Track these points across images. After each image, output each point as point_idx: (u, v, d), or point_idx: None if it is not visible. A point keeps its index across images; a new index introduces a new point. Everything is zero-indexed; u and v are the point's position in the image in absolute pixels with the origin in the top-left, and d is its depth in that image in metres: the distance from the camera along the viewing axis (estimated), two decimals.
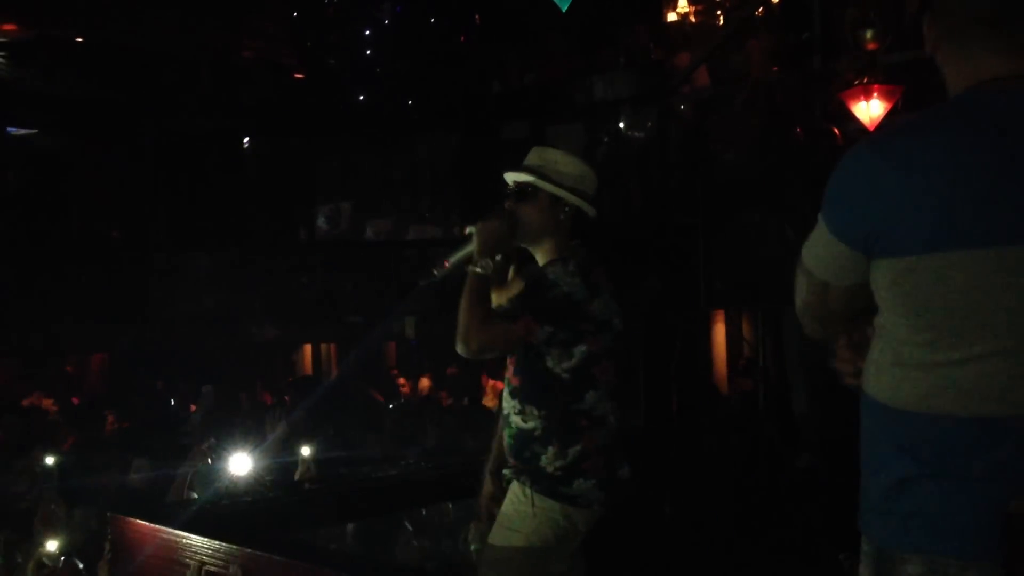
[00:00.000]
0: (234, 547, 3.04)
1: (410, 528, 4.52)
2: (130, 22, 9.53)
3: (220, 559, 3.04)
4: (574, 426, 2.64)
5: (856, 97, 6.48)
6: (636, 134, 8.06)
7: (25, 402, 8.49)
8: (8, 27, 9.64)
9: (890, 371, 1.54)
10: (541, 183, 2.72)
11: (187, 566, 3.09)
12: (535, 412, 2.65)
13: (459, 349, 2.65)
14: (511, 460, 2.71)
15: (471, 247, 2.71)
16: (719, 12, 8.66)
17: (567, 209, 2.73)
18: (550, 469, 2.61)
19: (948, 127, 1.50)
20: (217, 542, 3.08)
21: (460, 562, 4.20)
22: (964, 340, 1.46)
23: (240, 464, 4.29)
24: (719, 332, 10.78)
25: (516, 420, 2.68)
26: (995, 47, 1.53)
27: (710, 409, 7.62)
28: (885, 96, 6.45)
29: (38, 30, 9.62)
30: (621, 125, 8.21)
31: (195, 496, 4.43)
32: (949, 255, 1.44)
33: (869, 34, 6.63)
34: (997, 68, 1.52)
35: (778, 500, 4.76)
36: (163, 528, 3.23)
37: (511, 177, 2.79)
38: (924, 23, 1.63)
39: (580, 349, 2.64)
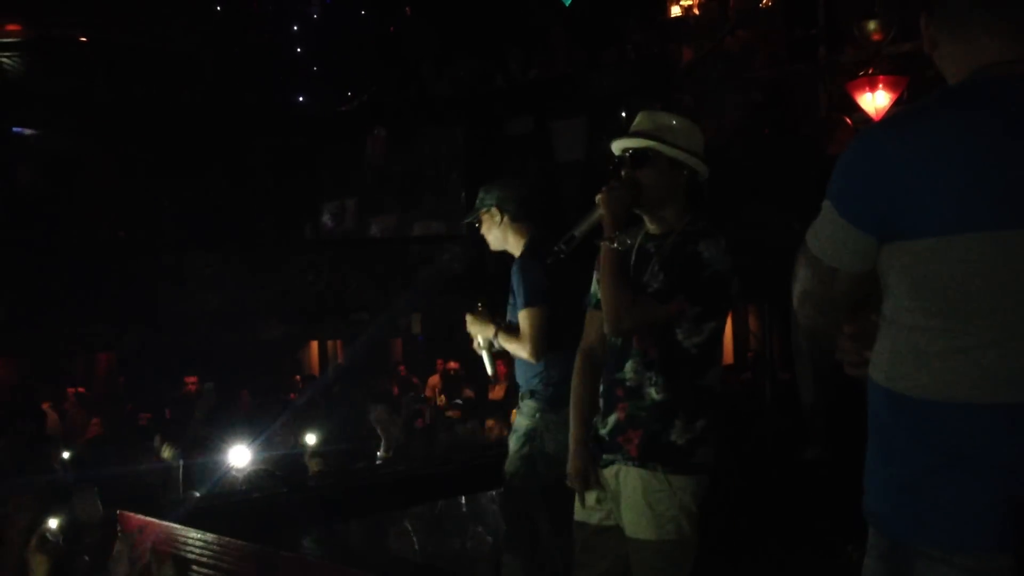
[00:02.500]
0: (243, 543, 3.04)
1: (412, 525, 4.52)
2: (135, 22, 9.54)
3: (228, 555, 3.05)
4: (699, 401, 2.61)
5: (861, 88, 6.47)
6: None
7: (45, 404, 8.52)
8: (12, 27, 9.65)
9: (904, 360, 1.50)
10: (660, 146, 2.63)
11: (194, 562, 3.10)
12: (669, 385, 2.59)
13: (608, 330, 2.63)
14: (633, 440, 2.60)
15: (596, 216, 2.61)
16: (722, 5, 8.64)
17: (685, 171, 2.66)
18: (680, 441, 2.58)
19: (962, 110, 1.48)
20: (226, 538, 3.09)
21: (471, 558, 4.20)
22: (984, 324, 1.43)
23: (240, 457, 4.29)
24: (726, 325, 10.76)
25: (651, 392, 2.60)
26: (997, 31, 1.51)
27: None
28: (890, 87, 6.44)
29: (42, 30, 9.64)
30: (625, 119, 8.20)
31: (195, 493, 4.43)
32: (970, 237, 1.42)
33: (873, 25, 6.62)
34: (1000, 52, 1.51)
35: (785, 493, 4.75)
36: (171, 524, 3.24)
37: (624, 144, 2.69)
38: (922, 21, 1.61)
39: (710, 325, 2.61)
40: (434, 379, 10.84)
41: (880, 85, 6.42)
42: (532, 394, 3.45)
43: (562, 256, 2.67)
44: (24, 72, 9.64)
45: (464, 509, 4.47)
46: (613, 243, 2.57)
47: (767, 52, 7.80)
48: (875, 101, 6.45)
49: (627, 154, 2.67)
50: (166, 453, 4.98)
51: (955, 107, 1.49)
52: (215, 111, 10.03)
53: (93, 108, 9.44)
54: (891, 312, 1.54)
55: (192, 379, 8.80)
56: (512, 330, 3.44)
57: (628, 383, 2.62)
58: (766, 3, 8.00)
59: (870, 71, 6.52)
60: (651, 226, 2.69)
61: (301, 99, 11.23)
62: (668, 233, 2.66)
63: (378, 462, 5.43)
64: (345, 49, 10.76)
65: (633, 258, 2.67)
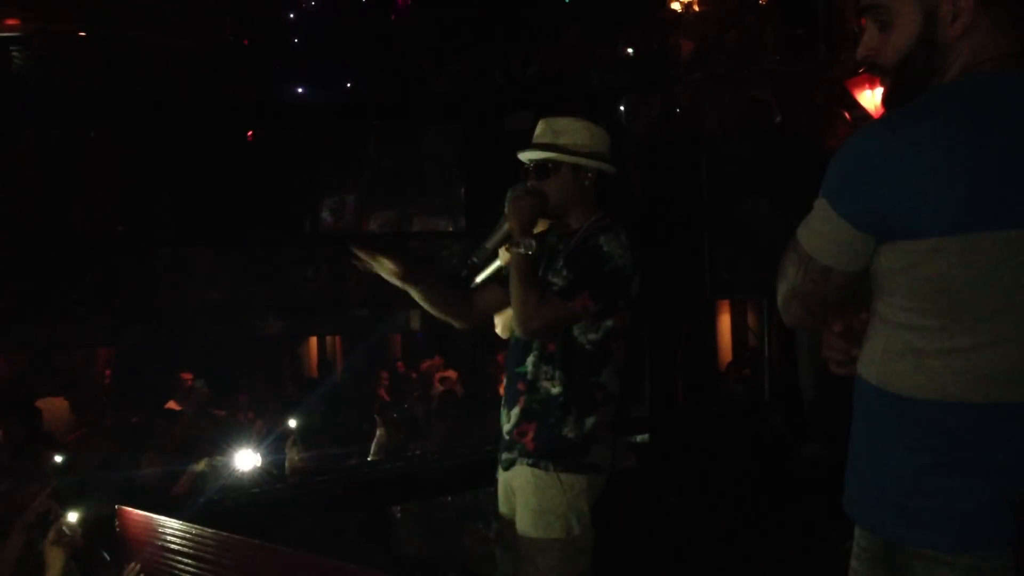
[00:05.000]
0: (238, 538, 3.04)
1: (414, 521, 4.52)
2: (132, 16, 9.53)
3: (225, 551, 3.05)
4: (591, 399, 2.63)
5: (861, 85, 6.46)
6: (639, 123, 8.04)
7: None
8: (12, 22, 9.64)
9: (899, 359, 1.49)
10: (560, 157, 2.72)
11: (192, 558, 3.10)
12: (563, 379, 2.64)
13: (519, 331, 2.67)
14: (528, 435, 2.65)
15: (504, 229, 2.70)
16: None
17: (589, 174, 2.74)
18: (572, 435, 2.61)
19: (962, 108, 1.46)
20: (224, 533, 3.09)
21: (464, 555, 4.20)
22: (984, 323, 1.43)
23: (246, 461, 4.31)
24: (724, 322, 10.77)
25: (546, 385, 2.65)
26: (997, 27, 1.50)
27: (715, 399, 7.61)
28: None
29: (42, 25, 9.63)
30: (624, 115, 8.20)
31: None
32: (973, 236, 1.40)
33: None
34: (999, 48, 1.50)
35: (783, 489, 4.76)
36: (169, 520, 3.24)
37: (527, 156, 2.78)
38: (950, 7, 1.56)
39: (607, 324, 2.63)
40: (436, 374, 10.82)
41: (879, 82, 6.41)
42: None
43: (477, 267, 2.79)
44: (23, 67, 9.62)
45: (463, 505, 4.48)
46: (520, 248, 2.64)
47: (766, 49, 7.80)
48: (875, 98, 6.44)
49: (530, 166, 2.75)
50: (200, 466, 4.94)
51: (955, 105, 1.47)
52: (214, 105, 10.02)
53: (92, 103, 9.42)
54: (886, 311, 1.52)
55: (188, 375, 8.77)
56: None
57: (528, 376, 2.68)
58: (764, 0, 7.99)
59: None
60: (562, 228, 2.77)
61: (300, 92, 11.21)
62: (576, 232, 2.73)
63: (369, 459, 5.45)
64: (344, 42, 10.74)
65: (545, 260, 2.75)
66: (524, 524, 2.64)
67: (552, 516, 2.59)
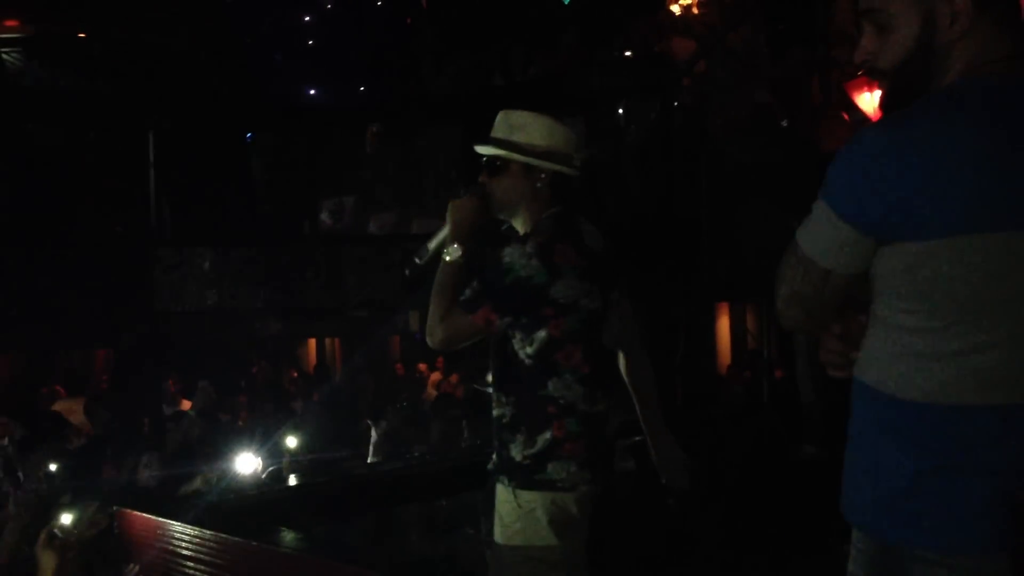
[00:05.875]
0: (237, 540, 3.04)
1: (414, 522, 4.52)
2: (131, 16, 9.52)
3: (223, 552, 3.05)
4: (542, 413, 2.52)
5: (859, 87, 6.46)
6: (639, 126, 8.04)
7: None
8: (10, 23, 9.63)
9: (898, 362, 1.49)
10: (509, 155, 2.59)
11: (192, 560, 3.10)
12: (504, 399, 2.57)
13: (428, 341, 2.58)
14: (493, 452, 2.65)
15: (446, 228, 2.61)
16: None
17: (543, 176, 2.59)
18: (519, 458, 2.53)
19: (962, 110, 1.46)
20: (222, 535, 3.09)
21: (462, 556, 4.20)
22: (983, 325, 1.42)
23: (247, 464, 4.30)
24: (723, 324, 10.77)
25: (496, 408, 2.59)
26: (995, 30, 1.50)
27: (714, 401, 7.61)
28: None
29: (41, 25, 9.62)
30: (623, 117, 8.20)
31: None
32: (972, 238, 1.40)
33: None
34: (997, 51, 1.50)
35: (782, 491, 4.75)
36: (169, 522, 3.24)
37: (481, 150, 2.65)
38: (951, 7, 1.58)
39: (540, 335, 2.50)
40: (435, 376, 10.83)
41: (878, 85, 6.41)
42: None
43: (415, 270, 2.67)
44: (21, 67, 9.62)
45: (462, 506, 4.47)
46: (446, 253, 2.56)
47: (765, 50, 7.80)
48: (873, 101, 6.44)
49: (483, 161, 2.63)
50: (196, 483, 4.93)
51: (954, 108, 1.47)
52: (214, 106, 10.01)
53: (91, 103, 9.42)
54: (886, 314, 1.52)
55: (172, 382, 8.66)
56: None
57: (492, 400, 2.62)
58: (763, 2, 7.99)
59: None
60: (517, 228, 2.65)
61: (300, 93, 11.21)
62: (524, 236, 2.61)
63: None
64: (351, 44, 10.73)
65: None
66: (491, 530, 2.63)
67: (512, 528, 2.55)
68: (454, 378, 10.03)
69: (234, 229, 9.82)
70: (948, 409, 1.45)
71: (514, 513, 2.53)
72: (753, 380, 8.21)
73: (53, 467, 5.64)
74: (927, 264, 1.44)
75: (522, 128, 2.62)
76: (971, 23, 1.50)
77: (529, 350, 2.53)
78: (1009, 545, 1.41)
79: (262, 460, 5.05)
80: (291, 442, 5.57)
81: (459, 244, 2.55)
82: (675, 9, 8.90)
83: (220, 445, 5.48)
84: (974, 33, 1.50)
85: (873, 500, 1.52)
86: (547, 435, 2.52)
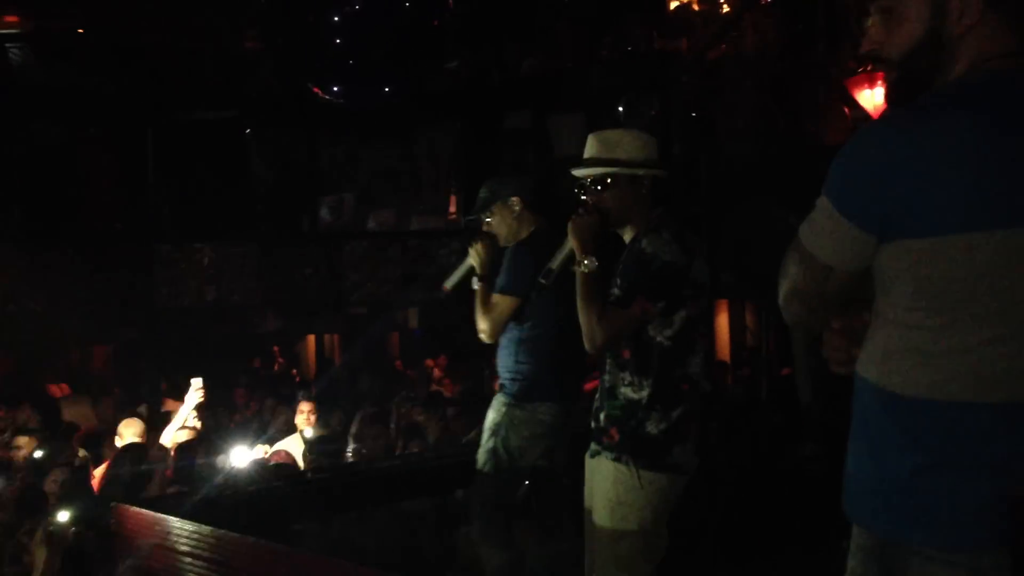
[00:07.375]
0: (236, 536, 3.04)
1: (413, 520, 4.52)
2: (131, 13, 9.51)
3: (222, 548, 3.05)
4: (677, 391, 2.71)
5: (860, 85, 6.46)
6: (638, 123, 8.03)
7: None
8: (10, 19, 9.62)
9: (900, 358, 1.49)
10: (617, 170, 2.81)
11: (190, 555, 3.10)
12: (644, 382, 2.71)
13: (587, 348, 2.76)
14: (612, 433, 2.74)
15: (568, 249, 2.78)
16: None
17: (646, 183, 2.83)
18: (655, 432, 2.67)
19: (965, 107, 1.45)
20: (220, 530, 3.09)
21: (460, 554, 4.20)
22: (984, 323, 1.42)
23: (241, 457, 4.30)
24: (722, 322, 10.78)
25: (626, 391, 2.72)
26: (1005, 24, 1.50)
27: (713, 398, 7.60)
28: None
29: (40, 22, 9.60)
30: (623, 114, 8.19)
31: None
32: (975, 236, 1.40)
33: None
34: (1005, 46, 1.49)
35: (781, 488, 4.75)
36: (167, 518, 3.23)
37: (584, 172, 2.86)
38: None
39: (680, 315, 2.71)
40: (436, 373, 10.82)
41: (879, 82, 6.40)
42: (503, 387, 3.53)
43: (545, 287, 2.90)
44: (21, 64, 9.60)
45: (461, 505, 4.47)
46: (581, 267, 2.75)
47: (766, 47, 7.80)
48: (874, 98, 6.44)
49: (588, 182, 2.84)
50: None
51: (959, 104, 1.46)
52: (213, 104, 10.01)
53: (91, 100, 9.41)
54: (888, 310, 1.52)
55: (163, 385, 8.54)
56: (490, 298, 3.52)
57: (607, 384, 2.78)
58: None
59: (868, 67, 6.51)
60: (626, 237, 2.86)
61: (300, 91, 11.17)
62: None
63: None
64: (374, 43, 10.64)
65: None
66: (601, 514, 2.73)
67: (628, 509, 2.68)
68: (438, 373, 10.01)
69: (233, 226, 9.83)
70: (948, 406, 1.45)
71: (634, 493, 2.66)
72: (752, 377, 8.22)
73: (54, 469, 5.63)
74: (929, 261, 1.43)
75: (618, 144, 2.86)
76: (980, 16, 1.50)
77: (668, 332, 2.71)
78: (1010, 541, 1.42)
79: (262, 454, 5.05)
80: (291, 439, 5.57)
81: (590, 256, 2.76)
82: (675, 6, 8.90)
83: (217, 440, 5.46)
84: (982, 27, 1.50)
85: (873, 496, 1.52)
86: (679, 410, 2.70)
